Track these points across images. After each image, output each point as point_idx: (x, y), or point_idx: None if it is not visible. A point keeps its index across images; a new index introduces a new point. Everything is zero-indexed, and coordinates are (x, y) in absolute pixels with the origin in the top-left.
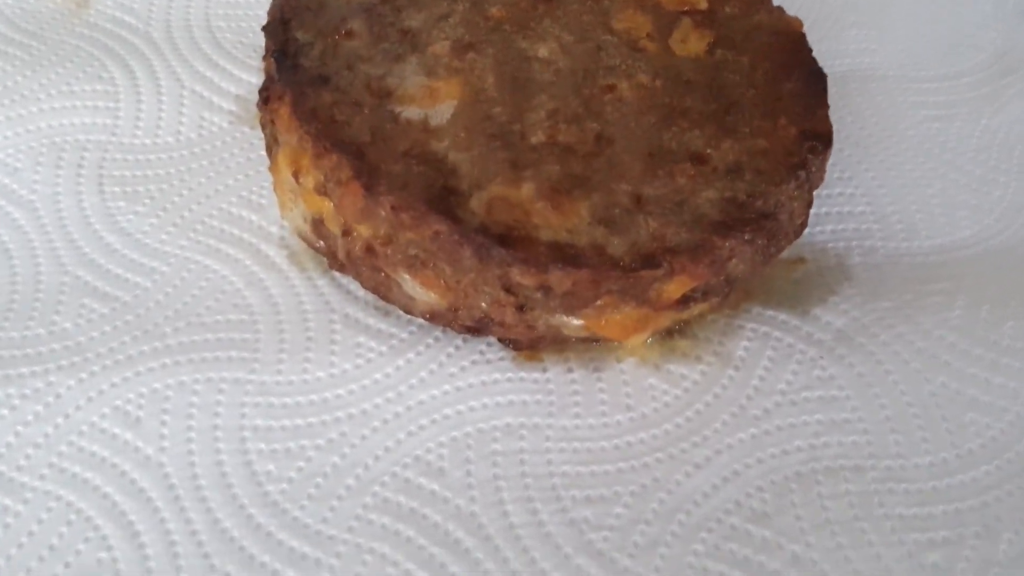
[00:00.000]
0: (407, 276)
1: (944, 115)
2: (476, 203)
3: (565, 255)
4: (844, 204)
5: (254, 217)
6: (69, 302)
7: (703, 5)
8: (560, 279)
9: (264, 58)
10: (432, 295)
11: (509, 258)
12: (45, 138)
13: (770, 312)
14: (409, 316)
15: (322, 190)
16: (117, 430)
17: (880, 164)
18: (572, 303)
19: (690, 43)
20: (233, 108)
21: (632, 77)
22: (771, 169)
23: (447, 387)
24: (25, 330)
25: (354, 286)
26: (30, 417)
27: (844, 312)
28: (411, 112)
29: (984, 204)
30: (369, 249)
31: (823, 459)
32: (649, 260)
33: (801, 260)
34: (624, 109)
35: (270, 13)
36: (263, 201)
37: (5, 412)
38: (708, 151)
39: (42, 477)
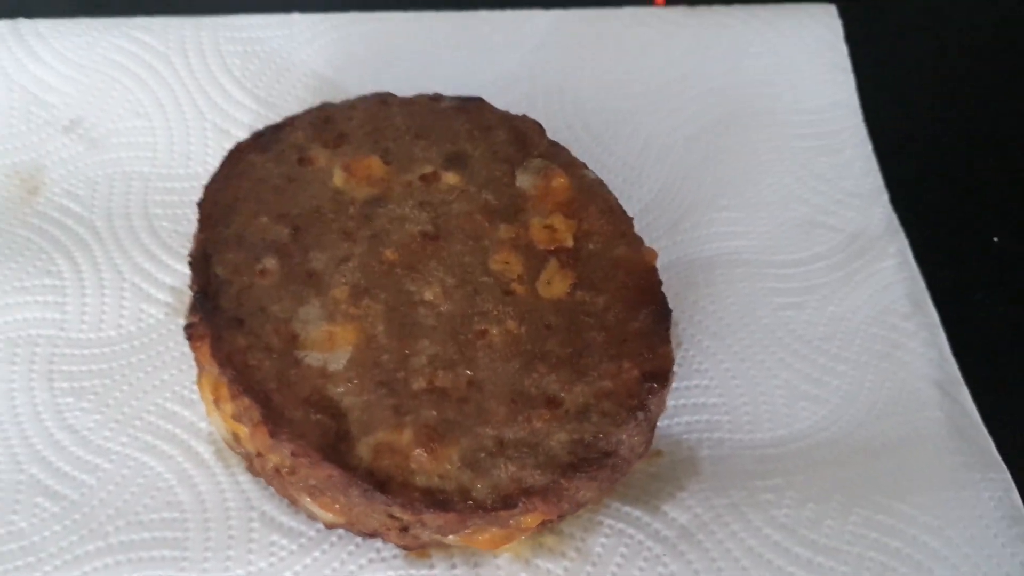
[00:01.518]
0: (308, 499)
1: (797, 302)
2: (363, 448)
3: (436, 500)
4: (699, 396)
5: (186, 413)
6: (24, 500)
7: (570, 243)
8: (433, 519)
9: (189, 286)
10: (330, 515)
11: (389, 501)
12: (1, 334)
13: (626, 508)
14: None
15: (238, 418)
16: None
17: (735, 355)
18: (445, 531)
19: (555, 285)
20: (169, 300)
21: (502, 323)
22: (614, 411)
23: None
24: None
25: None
26: None
27: (688, 508)
28: (312, 358)
29: (822, 395)
30: (277, 472)
31: None
32: (507, 501)
33: (658, 453)
34: (493, 355)
35: (193, 247)
36: (194, 397)
37: None
38: (562, 395)
39: None
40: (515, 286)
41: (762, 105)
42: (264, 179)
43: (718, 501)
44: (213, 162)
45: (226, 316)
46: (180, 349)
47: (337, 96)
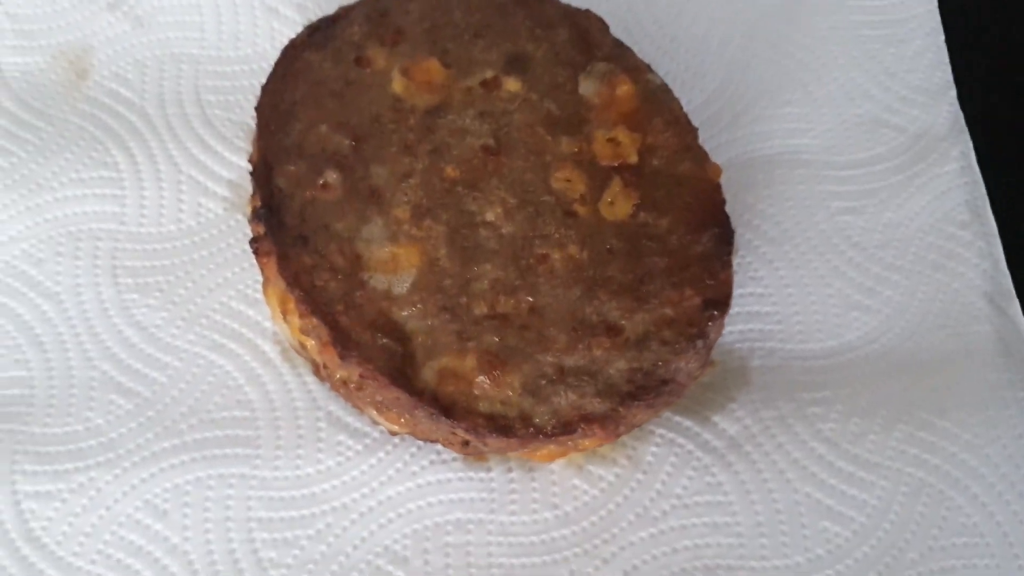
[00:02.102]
0: (374, 412)
1: (855, 207)
2: (428, 373)
3: (498, 426)
4: (753, 304)
5: (251, 312)
6: (99, 397)
7: (634, 159)
8: (495, 442)
9: (251, 195)
10: (395, 426)
11: (454, 426)
12: (62, 227)
13: (677, 418)
14: None
15: (306, 333)
16: (149, 522)
17: (790, 262)
18: (506, 450)
19: (617, 205)
20: (227, 194)
21: (563, 247)
22: (674, 339)
23: (410, 484)
24: (66, 426)
25: None
26: (78, 509)
27: (738, 420)
28: (377, 280)
29: (874, 305)
30: (344, 384)
31: (704, 558)
32: (567, 427)
33: (712, 363)
34: (554, 281)
35: (253, 154)
36: (257, 296)
37: (58, 505)
38: (622, 322)
39: (93, 562)
40: (577, 207)
41: None
42: (321, 81)
43: (766, 413)
44: (263, 44)
45: (291, 234)
46: (241, 246)
47: None
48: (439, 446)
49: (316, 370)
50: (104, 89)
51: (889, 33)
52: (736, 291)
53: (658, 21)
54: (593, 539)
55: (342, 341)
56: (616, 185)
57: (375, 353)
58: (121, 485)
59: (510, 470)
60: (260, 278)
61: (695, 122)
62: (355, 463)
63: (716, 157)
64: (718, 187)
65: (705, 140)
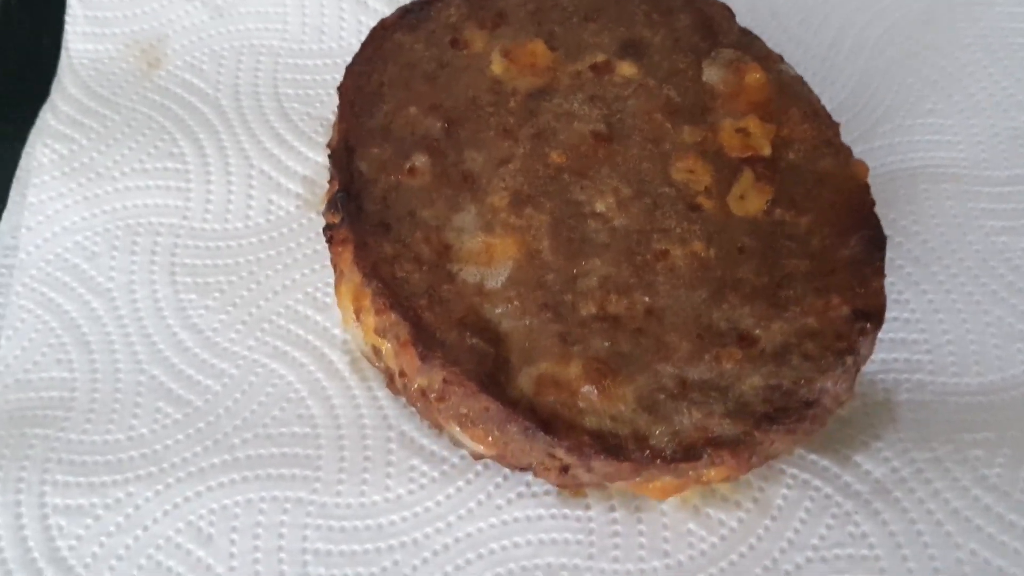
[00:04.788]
0: (457, 428)
1: (1013, 227)
2: (525, 380)
3: (607, 446)
4: (898, 330)
5: (319, 318)
6: (146, 404)
7: (767, 151)
8: (602, 465)
9: (329, 181)
10: (480, 446)
11: (554, 443)
12: (120, 220)
13: (812, 456)
14: None
15: (382, 333)
16: (191, 546)
17: (940, 285)
18: (613, 478)
19: (749, 200)
20: (300, 191)
21: (686, 243)
22: (819, 354)
23: (493, 520)
24: (106, 434)
25: None
26: (112, 528)
27: (884, 461)
28: (467, 273)
29: None
30: (423, 394)
31: None
32: (690, 452)
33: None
34: (675, 280)
35: (334, 137)
36: (328, 300)
37: (90, 521)
38: (757, 332)
39: None
40: (702, 200)
41: None
42: (413, 63)
43: (919, 454)
44: (348, 38)
45: (371, 220)
46: (312, 246)
47: None
48: (530, 476)
49: (390, 381)
50: (176, 79)
51: None
52: None
53: (782, 24)
54: None
55: (424, 340)
56: (747, 178)
57: (462, 355)
58: (163, 503)
59: (612, 508)
60: (331, 280)
61: None
62: (430, 492)
63: None
64: (866, 187)
65: None
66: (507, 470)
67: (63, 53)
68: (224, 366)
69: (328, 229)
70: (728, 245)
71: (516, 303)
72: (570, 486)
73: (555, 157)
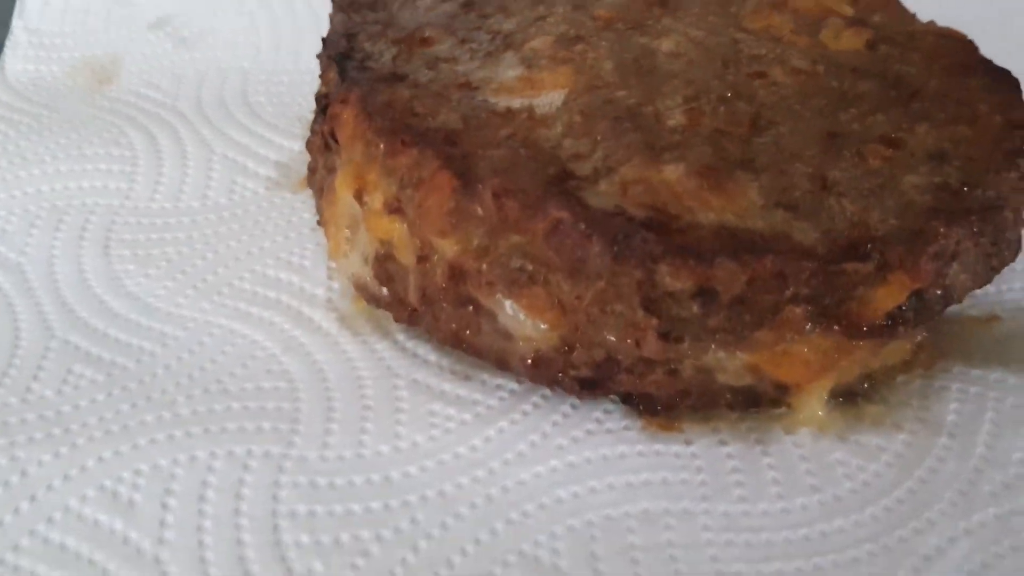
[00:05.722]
0: (507, 300)
1: None
2: (607, 186)
3: (738, 241)
4: None
5: (295, 279)
6: (52, 368)
7: (848, 12)
8: (731, 276)
9: (321, 75)
10: (540, 326)
11: (659, 248)
12: (45, 201)
13: (977, 371)
14: (498, 382)
15: (394, 206)
16: (102, 516)
17: None
18: (740, 323)
19: (844, 39)
20: (271, 174)
21: (785, 63)
22: (983, 156)
23: (555, 463)
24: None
25: (423, 350)
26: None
27: None
28: (511, 102)
29: None
30: (455, 275)
31: None
32: (853, 250)
33: (996, 318)
34: (783, 91)
35: (330, 30)
36: (305, 263)
37: None
38: (900, 135)
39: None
40: (791, 37)
41: None
42: None
43: None
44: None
45: (380, 73)
46: (286, 219)
47: None
48: (599, 412)
49: (399, 311)
50: (130, 91)
51: None
52: None
53: None
54: (895, 530)
55: (461, 158)
56: (835, 24)
57: (516, 163)
58: (63, 467)
59: (723, 443)
60: (309, 246)
61: None
62: (459, 437)
63: None
64: (972, 43)
65: None
66: (568, 407)
67: None
68: (167, 329)
69: (322, 97)
70: (837, 66)
71: (579, 120)
72: (660, 408)
73: (602, 13)
